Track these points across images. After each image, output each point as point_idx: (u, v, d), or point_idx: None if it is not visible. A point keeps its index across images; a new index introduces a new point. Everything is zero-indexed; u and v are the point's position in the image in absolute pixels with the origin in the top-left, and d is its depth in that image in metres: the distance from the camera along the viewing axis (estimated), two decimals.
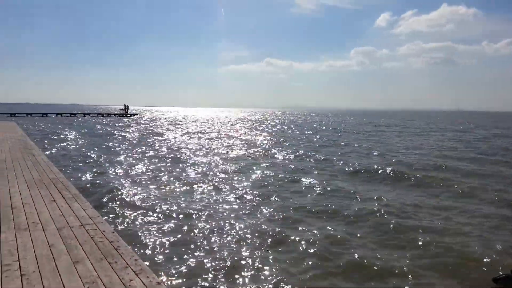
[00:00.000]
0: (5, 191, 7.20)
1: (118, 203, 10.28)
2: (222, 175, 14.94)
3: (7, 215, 5.72)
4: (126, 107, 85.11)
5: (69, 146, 23.97)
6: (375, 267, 6.80)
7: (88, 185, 12.41)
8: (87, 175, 14.37)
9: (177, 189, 12.40)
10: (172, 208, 9.97)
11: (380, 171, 15.94)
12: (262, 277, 6.37)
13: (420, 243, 7.97)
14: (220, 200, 11.07)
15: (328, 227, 8.85)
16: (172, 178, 14.03)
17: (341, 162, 18.89)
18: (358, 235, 8.48)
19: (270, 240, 7.98)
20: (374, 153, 22.84)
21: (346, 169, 16.81)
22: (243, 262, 6.88)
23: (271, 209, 10.15)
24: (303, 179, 14.27)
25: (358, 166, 17.20)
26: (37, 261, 4.07)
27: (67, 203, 6.49)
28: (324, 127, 54.18)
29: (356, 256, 7.21)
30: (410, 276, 6.48)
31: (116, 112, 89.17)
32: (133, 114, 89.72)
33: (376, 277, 6.50)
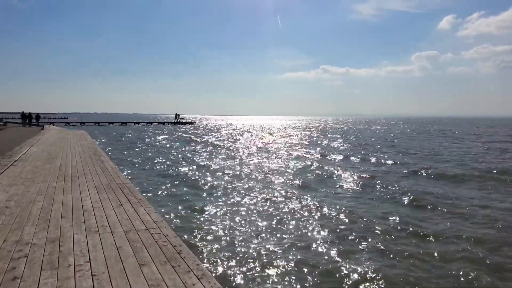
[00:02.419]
0: (77, 195, 7.66)
1: None
2: None
3: (79, 218, 6.07)
4: (177, 116, 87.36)
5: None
6: None
7: None
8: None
9: None
10: None
11: None
12: None
13: None
14: None
15: None
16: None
17: None
18: None
19: None
20: None
21: None
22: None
23: None
24: None
25: None
26: (106, 263, 4.26)
27: (133, 207, 6.77)
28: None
29: None
30: None
31: (170, 121, 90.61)
32: (191, 123, 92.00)
33: None
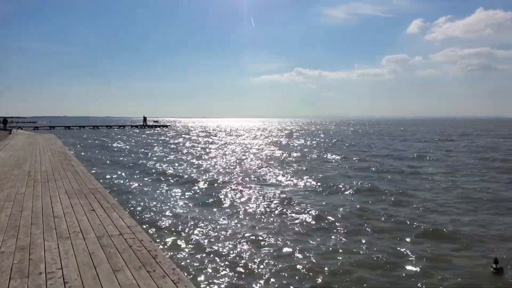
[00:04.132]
0: (47, 201, 7.46)
1: None
2: None
3: (50, 224, 5.91)
4: (145, 119, 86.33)
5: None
6: None
7: None
8: None
9: None
10: None
11: None
12: None
13: None
14: None
15: None
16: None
17: None
18: None
19: None
20: None
21: None
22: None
23: None
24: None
25: None
26: (78, 269, 4.16)
27: (106, 212, 6.65)
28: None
29: None
30: None
31: (139, 124, 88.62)
32: (165, 126, 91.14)
33: None
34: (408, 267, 7.29)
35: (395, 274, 7.03)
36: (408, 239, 8.84)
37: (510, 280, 6.79)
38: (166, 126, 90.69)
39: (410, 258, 7.72)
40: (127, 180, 16.75)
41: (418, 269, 7.20)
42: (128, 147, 35.33)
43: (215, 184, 15.67)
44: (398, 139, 49.53)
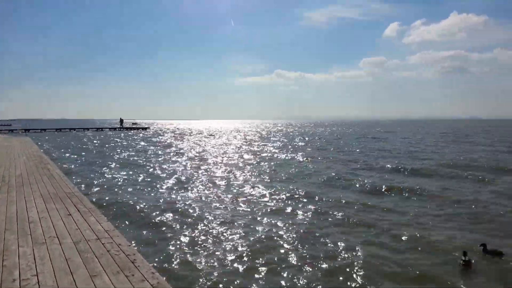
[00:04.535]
0: (22, 206, 7.29)
1: None
2: None
3: (25, 229, 5.78)
4: (121, 121, 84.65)
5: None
6: None
7: None
8: None
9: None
10: None
11: None
12: None
13: None
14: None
15: None
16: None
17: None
18: None
19: None
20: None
21: None
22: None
23: None
24: None
25: None
26: (54, 275, 4.09)
27: (82, 217, 6.54)
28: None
29: None
30: None
31: (116, 126, 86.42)
32: (145, 128, 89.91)
33: None
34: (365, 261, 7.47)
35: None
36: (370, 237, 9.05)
37: (478, 272, 7.03)
38: (145, 129, 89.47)
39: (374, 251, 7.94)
40: None
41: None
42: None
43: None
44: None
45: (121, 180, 16.35)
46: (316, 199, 12.74)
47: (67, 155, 27.29)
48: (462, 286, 6.48)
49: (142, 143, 42.13)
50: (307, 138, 52.35)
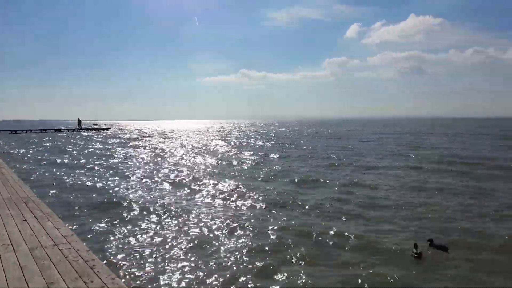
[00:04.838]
0: None
1: None
2: None
3: None
4: (80, 122, 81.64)
5: None
6: None
7: None
8: None
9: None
10: None
11: None
12: None
13: None
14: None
15: None
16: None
17: None
18: None
19: None
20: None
21: None
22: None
23: None
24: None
25: None
26: (8, 285, 3.92)
27: (39, 222, 6.29)
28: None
29: None
30: None
31: (74, 127, 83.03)
32: (106, 129, 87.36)
33: None
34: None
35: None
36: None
37: (429, 263, 7.55)
38: (106, 129, 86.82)
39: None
40: None
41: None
42: None
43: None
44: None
45: None
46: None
47: None
48: (414, 272, 7.14)
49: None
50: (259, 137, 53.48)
